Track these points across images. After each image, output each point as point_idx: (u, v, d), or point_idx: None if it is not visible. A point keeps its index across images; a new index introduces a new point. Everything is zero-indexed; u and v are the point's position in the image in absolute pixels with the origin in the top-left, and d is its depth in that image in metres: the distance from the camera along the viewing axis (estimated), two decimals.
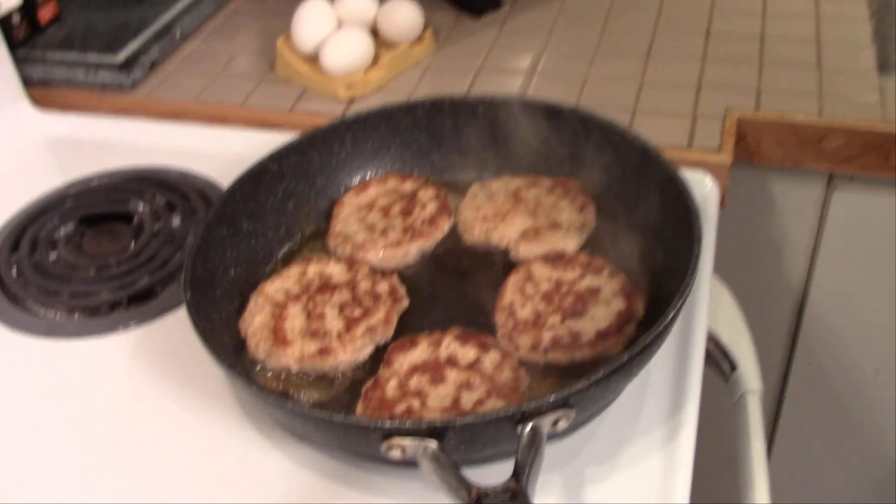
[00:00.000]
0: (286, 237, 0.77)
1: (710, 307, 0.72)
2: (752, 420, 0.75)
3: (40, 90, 1.00)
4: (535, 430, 0.53)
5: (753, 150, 0.87)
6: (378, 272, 0.72)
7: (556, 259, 0.70)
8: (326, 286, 0.70)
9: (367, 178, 0.81)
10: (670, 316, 0.57)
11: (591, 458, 0.60)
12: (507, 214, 0.74)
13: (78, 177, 0.89)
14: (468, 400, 0.60)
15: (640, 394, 0.64)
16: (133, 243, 0.81)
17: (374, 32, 0.98)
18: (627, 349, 0.56)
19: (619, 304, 0.66)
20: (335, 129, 0.79)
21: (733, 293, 0.82)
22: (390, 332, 0.67)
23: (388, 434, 0.53)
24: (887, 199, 0.89)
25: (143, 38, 1.02)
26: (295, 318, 0.68)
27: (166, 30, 1.04)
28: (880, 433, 1.08)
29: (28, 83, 1.00)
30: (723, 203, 0.81)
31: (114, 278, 0.78)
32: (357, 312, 0.67)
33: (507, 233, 0.73)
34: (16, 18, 1.01)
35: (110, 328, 0.73)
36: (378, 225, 0.76)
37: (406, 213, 0.76)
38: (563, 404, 0.54)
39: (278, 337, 0.66)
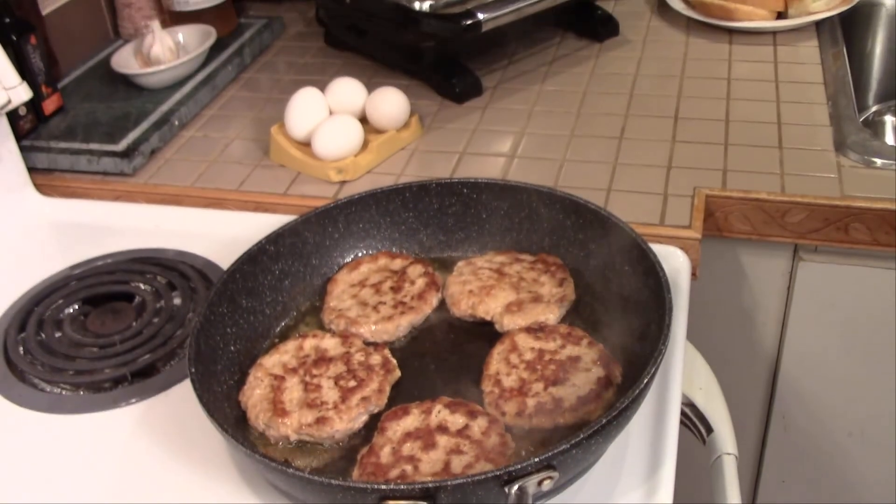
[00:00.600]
0: (283, 314, 0.81)
1: (685, 373, 0.76)
2: (729, 481, 0.78)
3: (45, 177, 1.05)
4: (521, 491, 0.57)
5: (722, 225, 0.93)
6: (371, 345, 0.76)
7: (538, 330, 0.74)
8: (322, 359, 0.74)
9: (359, 256, 0.86)
10: (644, 381, 0.62)
11: None
12: (491, 289, 0.79)
13: (81, 259, 0.93)
14: (458, 464, 0.64)
15: (619, 456, 0.67)
16: (135, 322, 0.85)
17: (363, 119, 1.03)
18: (606, 413, 0.60)
19: (598, 372, 0.70)
20: (328, 211, 0.84)
21: (708, 359, 0.86)
22: (383, 401, 0.71)
23: (385, 496, 0.56)
24: (850, 268, 0.95)
25: (142, 128, 1.08)
26: (293, 390, 0.71)
27: (165, 119, 1.10)
28: (856, 493, 1.11)
29: (33, 171, 1.04)
30: (694, 274, 0.86)
31: (117, 355, 0.81)
32: (352, 384, 0.71)
33: (492, 306, 0.78)
34: (22, 110, 1.06)
35: (114, 403, 0.77)
36: (370, 301, 0.80)
37: (396, 289, 0.81)
38: (547, 465, 0.57)
39: (277, 408, 0.69)
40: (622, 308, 0.75)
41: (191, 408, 0.70)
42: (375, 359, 0.74)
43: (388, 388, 0.72)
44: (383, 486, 0.56)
